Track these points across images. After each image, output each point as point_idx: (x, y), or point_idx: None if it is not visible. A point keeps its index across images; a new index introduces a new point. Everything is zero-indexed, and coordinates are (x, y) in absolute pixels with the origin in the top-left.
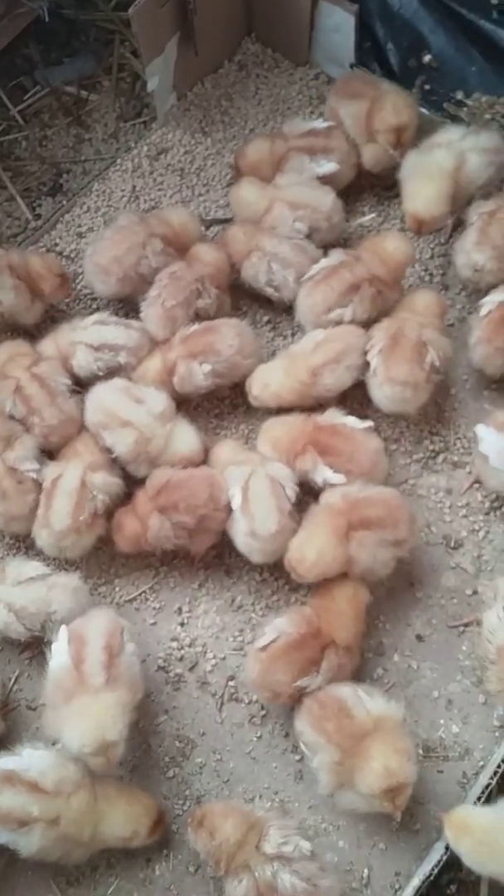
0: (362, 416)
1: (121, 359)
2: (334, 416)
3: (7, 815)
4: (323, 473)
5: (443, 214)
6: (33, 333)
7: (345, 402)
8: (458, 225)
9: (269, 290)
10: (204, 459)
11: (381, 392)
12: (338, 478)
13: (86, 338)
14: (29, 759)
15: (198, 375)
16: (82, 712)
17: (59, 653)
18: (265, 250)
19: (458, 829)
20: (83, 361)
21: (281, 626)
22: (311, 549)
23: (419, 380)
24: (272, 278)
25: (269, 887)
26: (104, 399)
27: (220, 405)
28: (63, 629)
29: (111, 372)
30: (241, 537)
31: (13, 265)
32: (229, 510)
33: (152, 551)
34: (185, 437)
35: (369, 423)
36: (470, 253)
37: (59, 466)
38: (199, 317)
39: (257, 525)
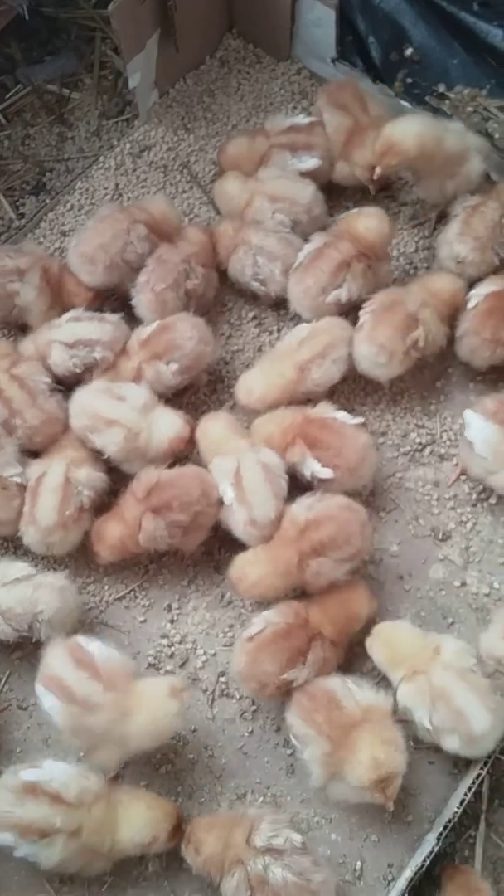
0: (350, 410)
1: (96, 354)
2: (326, 410)
3: (29, 826)
4: (311, 467)
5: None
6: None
7: (333, 397)
8: (442, 218)
9: (255, 285)
10: (191, 440)
11: (359, 349)
12: (325, 472)
13: (60, 335)
14: (50, 770)
15: (166, 375)
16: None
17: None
18: (251, 244)
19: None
20: (58, 359)
21: (269, 616)
22: (253, 572)
23: (397, 349)
24: (258, 272)
25: (261, 881)
26: (86, 402)
27: (207, 401)
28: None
29: (88, 368)
30: (241, 527)
31: (47, 269)
32: (221, 504)
33: (136, 555)
34: (169, 421)
35: (360, 420)
36: (452, 244)
37: (42, 464)
38: (189, 297)
39: (256, 513)
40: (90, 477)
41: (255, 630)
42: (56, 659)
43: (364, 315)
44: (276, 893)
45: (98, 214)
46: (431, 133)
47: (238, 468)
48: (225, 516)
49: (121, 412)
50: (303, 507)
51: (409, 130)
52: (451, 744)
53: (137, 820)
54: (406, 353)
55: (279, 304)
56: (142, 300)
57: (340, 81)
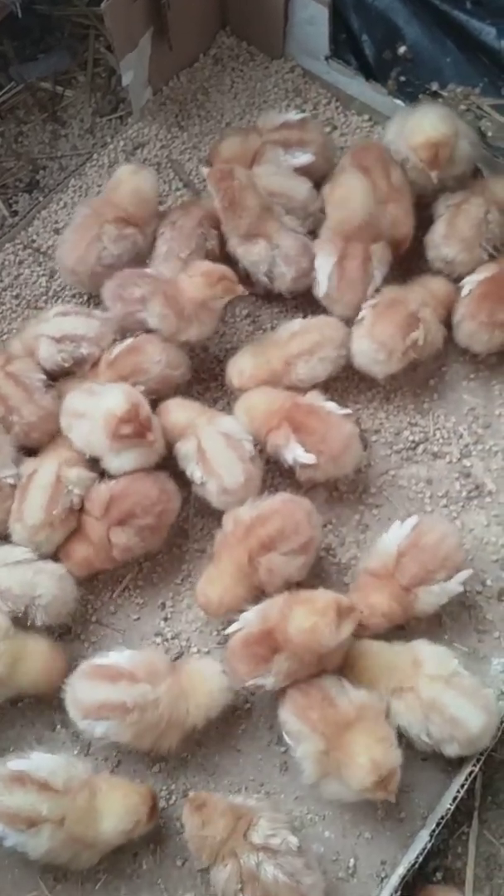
0: (344, 406)
1: (83, 349)
2: (315, 398)
3: (16, 815)
4: (294, 451)
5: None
6: None
7: (325, 394)
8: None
9: (263, 279)
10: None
11: (359, 345)
12: (308, 457)
13: (47, 330)
14: (38, 760)
15: None
16: None
17: None
18: (271, 241)
19: None
20: (46, 354)
21: (248, 616)
22: (213, 591)
23: (397, 347)
24: (272, 270)
25: (252, 876)
26: (67, 403)
27: (201, 399)
28: None
29: (77, 363)
30: (216, 498)
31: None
32: (179, 498)
33: (112, 567)
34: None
35: (348, 411)
36: (439, 247)
37: (34, 462)
38: (207, 257)
39: (226, 481)
40: (81, 477)
41: (234, 628)
42: (85, 689)
43: (365, 310)
44: (266, 891)
45: (74, 222)
46: (451, 119)
47: (199, 444)
48: (201, 493)
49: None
50: (245, 509)
51: (437, 122)
52: (451, 750)
53: (117, 808)
54: (405, 352)
55: (271, 299)
56: (167, 270)
57: (367, 143)
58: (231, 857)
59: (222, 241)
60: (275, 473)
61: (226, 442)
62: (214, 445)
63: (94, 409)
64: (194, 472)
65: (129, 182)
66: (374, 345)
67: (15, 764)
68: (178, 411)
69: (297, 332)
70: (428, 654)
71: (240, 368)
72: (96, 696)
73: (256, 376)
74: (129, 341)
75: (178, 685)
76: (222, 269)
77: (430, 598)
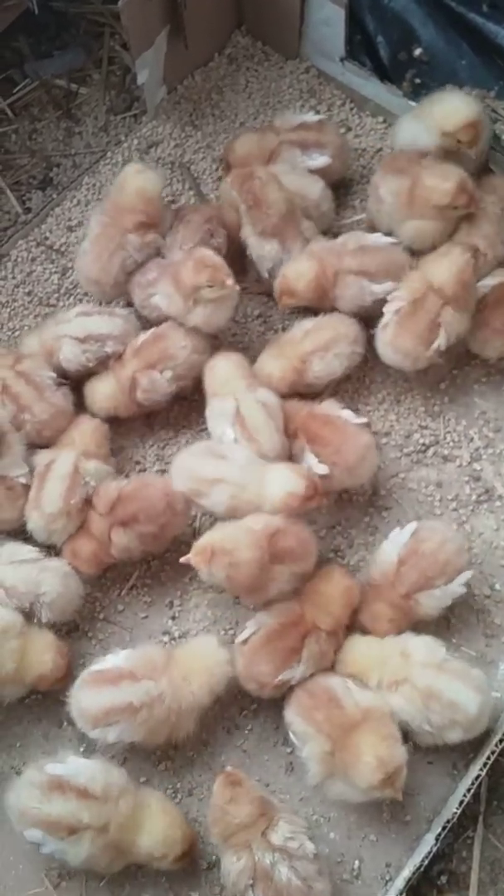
0: (353, 410)
1: (108, 348)
2: (331, 408)
3: (57, 822)
4: (309, 461)
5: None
6: None
7: (337, 396)
8: None
9: (265, 275)
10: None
11: (384, 349)
12: (321, 468)
13: (70, 330)
14: (75, 765)
15: (161, 384)
16: None
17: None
18: (285, 245)
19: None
20: (70, 354)
21: (261, 618)
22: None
23: (421, 355)
24: (276, 269)
25: (266, 874)
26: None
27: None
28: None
29: (101, 363)
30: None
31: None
32: (186, 513)
33: (120, 562)
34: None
35: (364, 420)
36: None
37: (51, 452)
38: None
39: (265, 448)
40: (98, 469)
41: (248, 633)
42: (89, 696)
43: (388, 314)
44: (277, 891)
45: (91, 233)
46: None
47: (238, 409)
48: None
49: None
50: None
51: (467, 103)
52: (455, 736)
53: (158, 832)
54: (429, 357)
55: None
56: (172, 259)
57: (395, 153)
58: (246, 851)
59: (229, 242)
60: None
61: (265, 411)
62: (254, 413)
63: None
64: (226, 432)
65: (135, 182)
66: (398, 355)
67: (52, 768)
68: (225, 368)
69: (311, 330)
70: (415, 645)
71: (268, 373)
72: (101, 702)
73: (286, 378)
74: (152, 329)
75: (178, 671)
76: (214, 259)
77: (432, 601)
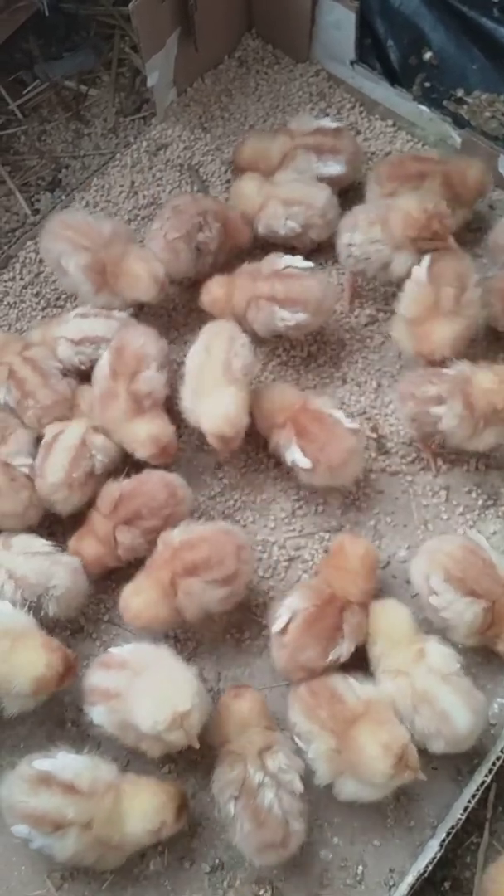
0: (359, 413)
1: (102, 351)
2: (325, 405)
3: (42, 817)
4: (293, 454)
5: None
6: None
7: (338, 397)
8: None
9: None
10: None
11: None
12: (303, 462)
13: (66, 332)
14: (63, 760)
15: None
16: None
17: None
18: (280, 198)
19: None
20: (64, 355)
21: (292, 604)
22: (135, 602)
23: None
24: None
25: (251, 792)
26: None
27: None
28: None
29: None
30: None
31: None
32: (188, 502)
33: (122, 565)
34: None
35: (356, 426)
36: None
37: (62, 424)
38: (199, 251)
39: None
40: (106, 444)
41: (283, 622)
42: (96, 673)
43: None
44: (256, 811)
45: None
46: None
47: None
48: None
49: None
50: (177, 532)
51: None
52: (436, 747)
53: (145, 807)
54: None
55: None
56: (153, 247)
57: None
58: (240, 765)
59: (229, 242)
60: (274, 473)
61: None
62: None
63: None
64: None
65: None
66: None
67: (40, 763)
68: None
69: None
70: (433, 650)
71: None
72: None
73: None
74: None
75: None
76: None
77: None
